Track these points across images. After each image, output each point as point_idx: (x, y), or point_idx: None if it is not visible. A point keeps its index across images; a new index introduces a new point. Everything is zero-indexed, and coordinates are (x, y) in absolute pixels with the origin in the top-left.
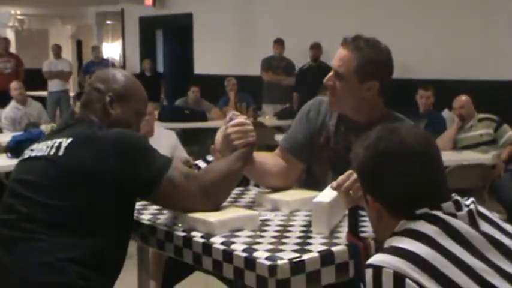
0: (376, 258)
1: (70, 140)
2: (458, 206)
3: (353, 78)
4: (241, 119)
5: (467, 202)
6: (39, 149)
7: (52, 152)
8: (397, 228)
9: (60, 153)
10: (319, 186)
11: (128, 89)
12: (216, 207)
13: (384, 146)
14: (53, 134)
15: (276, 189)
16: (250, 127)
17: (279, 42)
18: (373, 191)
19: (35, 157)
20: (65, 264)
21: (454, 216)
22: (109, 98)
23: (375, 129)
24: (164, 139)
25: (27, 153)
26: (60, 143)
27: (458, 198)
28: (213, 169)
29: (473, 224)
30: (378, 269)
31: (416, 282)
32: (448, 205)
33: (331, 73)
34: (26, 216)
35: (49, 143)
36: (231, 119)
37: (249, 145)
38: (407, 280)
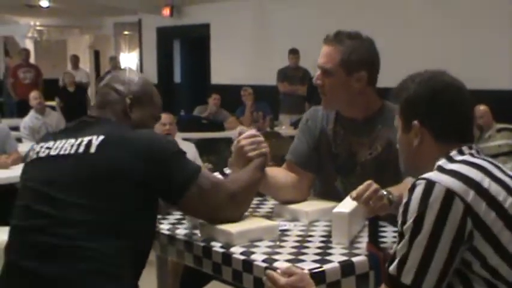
0: (432, 175)
1: (102, 137)
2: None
3: (340, 72)
4: (252, 131)
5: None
6: (61, 147)
7: (81, 150)
8: (452, 153)
9: (92, 150)
10: (329, 193)
11: (146, 93)
12: (241, 216)
13: (437, 81)
14: (74, 132)
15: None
16: (262, 138)
17: (294, 52)
18: (422, 116)
19: (58, 156)
20: (115, 269)
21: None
22: (129, 101)
23: (418, 73)
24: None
25: (42, 152)
26: (90, 140)
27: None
28: (239, 179)
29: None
30: (431, 183)
31: (466, 202)
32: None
33: (318, 72)
34: (61, 220)
35: (73, 141)
36: (240, 133)
37: (263, 155)
38: (457, 199)
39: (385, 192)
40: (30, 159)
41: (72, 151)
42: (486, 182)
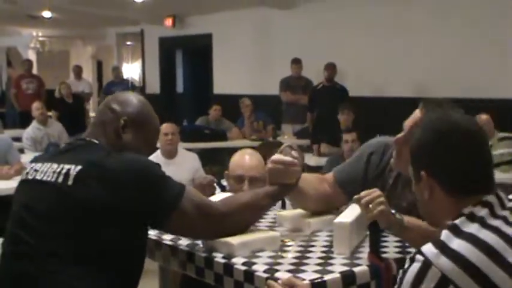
0: (431, 252)
1: (79, 168)
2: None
3: None
4: (287, 157)
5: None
6: (45, 171)
7: (60, 180)
8: (465, 210)
9: (70, 182)
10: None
11: (143, 116)
12: (229, 236)
13: (443, 125)
14: (59, 155)
15: (300, 210)
16: (294, 168)
17: (297, 62)
18: (429, 167)
19: (41, 181)
20: None
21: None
22: (123, 122)
23: (426, 116)
24: (187, 161)
25: (31, 174)
26: (69, 170)
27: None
28: (234, 200)
29: None
30: (427, 264)
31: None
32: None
33: (402, 134)
34: (40, 249)
35: (55, 166)
36: (281, 152)
37: (286, 185)
38: (451, 286)
39: (393, 211)
40: (21, 179)
41: (53, 179)
42: (489, 268)
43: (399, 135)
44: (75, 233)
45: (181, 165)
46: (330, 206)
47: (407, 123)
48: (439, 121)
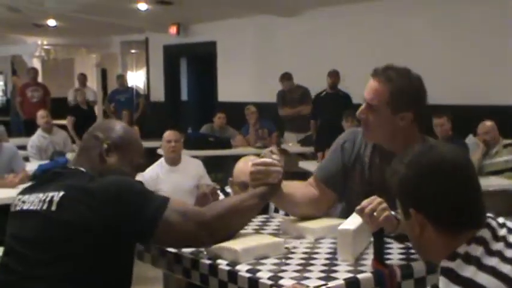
0: (444, 284)
1: (62, 193)
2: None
3: (386, 110)
4: (268, 159)
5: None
6: (31, 201)
7: (45, 207)
8: (460, 249)
9: (54, 208)
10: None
11: (126, 140)
12: (220, 242)
13: (427, 160)
14: (45, 185)
15: (304, 217)
16: (274, 168)
17: (287, 78)
18: (418, 204)
19: (28, 211)
20: None
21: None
22: (106, 146)
23: (412, 147)
24: (191, 167)
25: (19, 205)
26: (52, 197)
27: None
28: (220, 204)
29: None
30: None
31: None
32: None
33: (363, 106)
34: (26, 276)
35: (41, 196)
36: (262, 156)
37: (270, 185)
38: None
39: (393, 212)
40: (10, 212)
41: (38, 207)
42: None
43: (361, 108)
44: (62, 256)
45: (185, 172)
46: (319, 209)
47: (367, 95)
48: (424, 155)
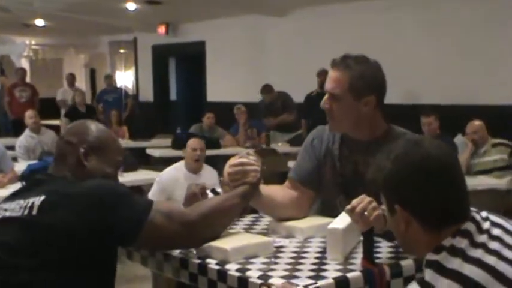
0: (430, 276)
1: (42, 198)
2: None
3: (348, 97)
4: (244, 159)
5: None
6: (12, 208)
7: (26, 212)
8: (445, 242)
9: (34, 212)
10: (331, 213)
11: (102, 140)
12: (206, 242)
13: (412, 157)
14: (24, 192)
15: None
16: (251, 167)
17: (266, 91)
18: (402, 201)
19: (9, 218)
20: None
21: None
22: (83, 150)
23: (397, 143)
24: (209, 176)
25: (1, 214)
26: (33, 202)
27: (476, 215)
28: (203, 205)
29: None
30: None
31: None
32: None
33: (326, 96)
34: (10, 283)
35: (22, 202)
36: (240, 158)
37: (249, 184)
38: None
39: (381, 208)
40: None
41: (19, 213)
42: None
43: (324, 98)
44: (44, 261)
45: (205, 181)
46: (300, 210)
47: (328, 85)
48: (410, 151)
